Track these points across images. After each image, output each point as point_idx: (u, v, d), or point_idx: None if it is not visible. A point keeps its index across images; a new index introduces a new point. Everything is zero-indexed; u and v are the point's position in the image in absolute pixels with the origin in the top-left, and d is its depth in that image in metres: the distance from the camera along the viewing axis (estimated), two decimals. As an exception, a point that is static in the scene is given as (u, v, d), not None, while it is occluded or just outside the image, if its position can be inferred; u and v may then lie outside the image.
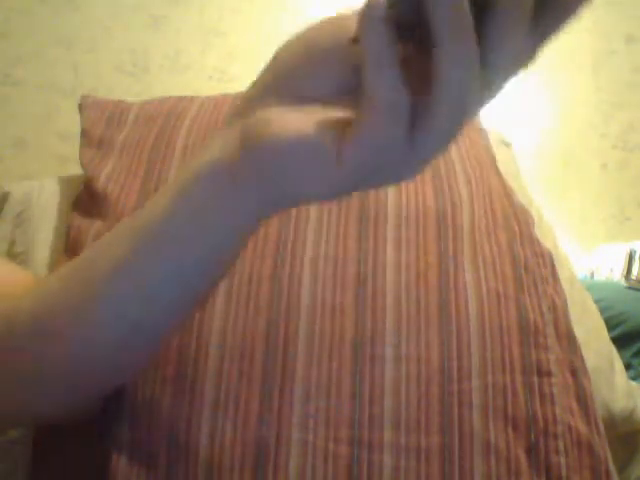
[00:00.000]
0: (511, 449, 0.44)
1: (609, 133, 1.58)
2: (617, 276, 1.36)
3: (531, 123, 1.56)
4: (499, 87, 0.24)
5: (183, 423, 0.44)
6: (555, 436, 0.45)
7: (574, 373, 0.51)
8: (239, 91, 0.68)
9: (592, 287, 1.00)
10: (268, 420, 0.44)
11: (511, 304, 0.51)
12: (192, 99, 0.72)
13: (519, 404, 0.46)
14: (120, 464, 0.43)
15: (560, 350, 0.52)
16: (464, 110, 0.23)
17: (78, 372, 0.36)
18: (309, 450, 0.43)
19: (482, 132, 0.74)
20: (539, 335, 0.50)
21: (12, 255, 0.65)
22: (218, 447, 0.43)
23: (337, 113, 0.26)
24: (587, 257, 1.51)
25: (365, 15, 0.22)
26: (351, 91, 0.25)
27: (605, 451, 0.48)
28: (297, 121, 0.26)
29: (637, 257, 1.34)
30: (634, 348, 0.99)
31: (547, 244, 0.63)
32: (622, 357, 0.71)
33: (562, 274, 0.62)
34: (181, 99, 0.73)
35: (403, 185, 0.59)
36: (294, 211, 0.56)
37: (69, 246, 0.59)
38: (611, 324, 0.95)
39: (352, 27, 0.24)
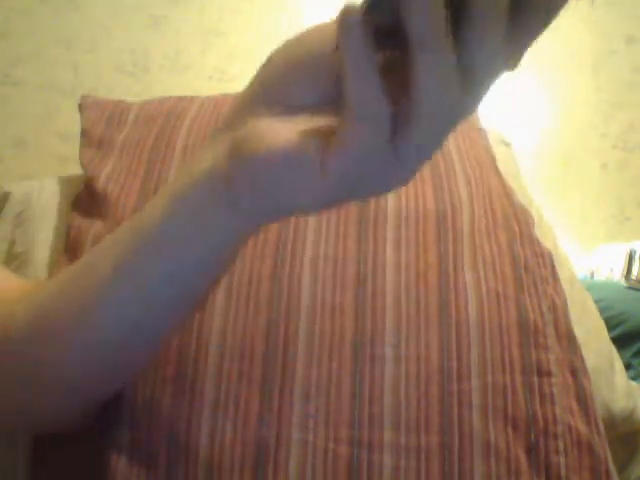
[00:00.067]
0: (511, 449, 0.44)
1: (609, 133, 1.58)
2: (617, 276, 1.36)
3: (531, 123, 1.56)
4: (482, 92, 0.23)
5: (183, 423, 0.44)
6: (555, 436, 0.45)
7: (574, 373, 0.51)
8: (239, 91, 0.68)
9: (592, 287, 1.00)
10: (268, 420, 0.44)
11: (511, 304, 0.51)
12: (192, 99, 0.72)
13: (519, 404, 0.46)
14: (120, 464, 0.43)
15: (560, 350, 0.52)
16: (444, 118, 0.23)
17: (77, 375, 0.36)
18: (309, 450, 0.43)
19: (482, 132, 0.74)
20: (539, 335, 0.50)
21: (12, 255, 0.65)
22: (218, 447, 0.43)
23: (324, 122, 0.25)
24: (587, 257, 1.51)
25: (341, 22, 0.22)
26: (339, 99, 0.25)
27: (605, 451, 0.48)
28: (285, 132, 0.25)
29: (637, 257, 1.34)
30: (634, 348, 0.99)
31: (547, 244, 0.63)
32: (622, 357, 0.71)
33: (562, 274, 0.62)
34: (181, 99, 0.73)
35: (403, 185, 0.59)
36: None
37: (69, 246, 0.59)
38: (611, 324, 0.95)
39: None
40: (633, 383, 0.70)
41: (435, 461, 0.43)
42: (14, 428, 0.43)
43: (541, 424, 0.46)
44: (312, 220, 0.55)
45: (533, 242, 0.59)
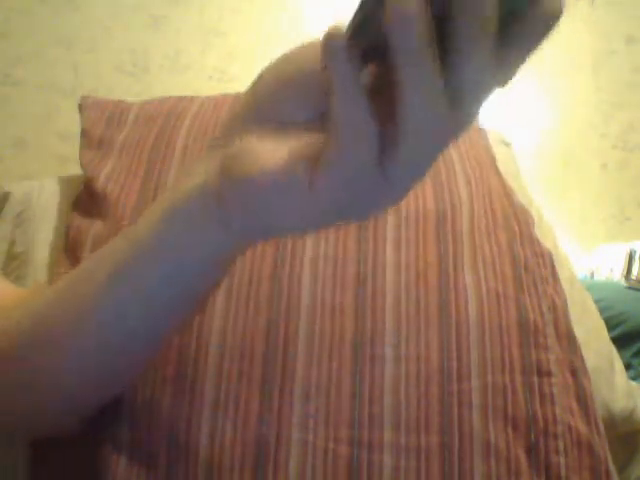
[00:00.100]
0: (511, 449, 0.44)
1: (609, 133, 1.58)
2: (617, 276, 1.36)
3: (531, 123, 1.56)
4: (473, 108, 0.22)
5: (183, 423, 0.44)
6: (555, 436, 0.45)
7: (574, 373, 0.51)
8: (239, 91, 0.68)
9: (592, 287, 1.00)
10: (268, 420, 0.44)
11: (511, 304, 0.51)
12: (192, 99, 0.72)
13: (519, 404, 0.46)
14: (120, 464, 0.43)
15: (560, 350, 0.52)
16: (432, 135, 0.22)
17: (74, 382, 0.36)
18: (309, 450, 0.43)
19: (482, 132, 0.74)
20: (539, 335, 0.50)
21: (12, 255, 0.65)
22: (218, 447, 0.43)
23: (316, 138, 0.25)
24: (587, 257, 1.51)
25: (325, 47, 0.21)
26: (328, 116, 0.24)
27: (605, 451, 0.48)
28: (275, 152, 0.25)
29: (637, 257, 1.34)
30: (634, 348, 0.99)
31: (547, 244, 0.63)
32: (622, 357, 0.71)
33: (562, 274, 0.62)
34: (181, 99, 0.73)
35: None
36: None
37: (69, 246, 0.59)
38: (611, 324, 0.95)
39: None
40: (633, 383, 0.70)
41: (435, 461, 0.43)
42: (14, 428, 0.43)
43: (541, 424, 0.46)
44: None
45: (533, 242, 0.59)
